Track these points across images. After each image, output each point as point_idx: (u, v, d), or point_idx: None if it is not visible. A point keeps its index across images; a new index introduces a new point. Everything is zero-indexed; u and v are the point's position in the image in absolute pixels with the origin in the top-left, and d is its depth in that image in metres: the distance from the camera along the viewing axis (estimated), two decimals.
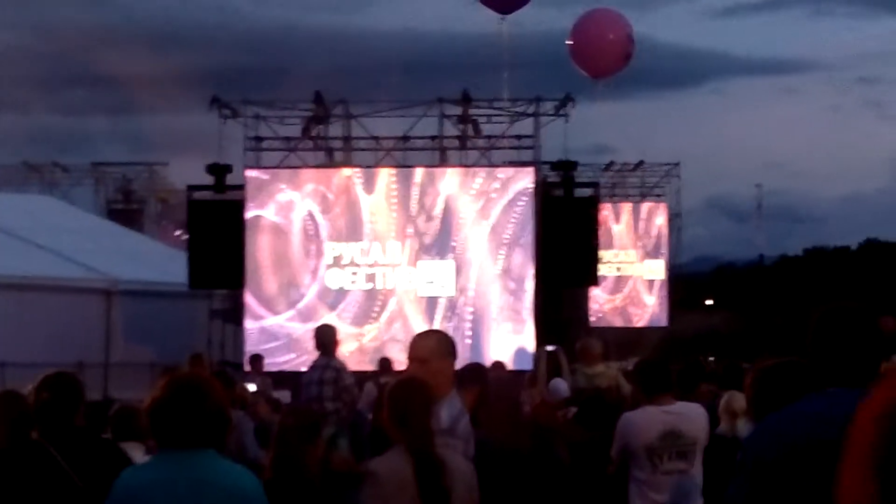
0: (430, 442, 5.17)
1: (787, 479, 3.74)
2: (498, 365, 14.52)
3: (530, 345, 22.41)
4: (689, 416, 7.73)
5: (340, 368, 9.70)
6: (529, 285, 22.81)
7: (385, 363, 18.49)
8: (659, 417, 7.55)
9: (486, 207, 22.87)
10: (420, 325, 21.63)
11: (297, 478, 5.54)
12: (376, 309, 22.86)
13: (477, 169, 24.15)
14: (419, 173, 23.26)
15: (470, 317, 22.83)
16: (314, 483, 5.62)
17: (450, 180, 23.16)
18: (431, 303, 22.84)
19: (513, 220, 22.89)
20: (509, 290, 22.97)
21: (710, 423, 8.41)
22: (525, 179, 23.26)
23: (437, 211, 22.90)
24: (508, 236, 22.88)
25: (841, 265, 55.89)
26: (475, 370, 7.95)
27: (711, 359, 24.29)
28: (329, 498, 5.51)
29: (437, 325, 21.62)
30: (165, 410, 4.36)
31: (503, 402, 7.56)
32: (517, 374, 18.21)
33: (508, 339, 22.71)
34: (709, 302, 51.96)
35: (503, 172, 23.64)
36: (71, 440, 5.82)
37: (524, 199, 22.89)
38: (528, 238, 22.82)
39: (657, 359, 8.33)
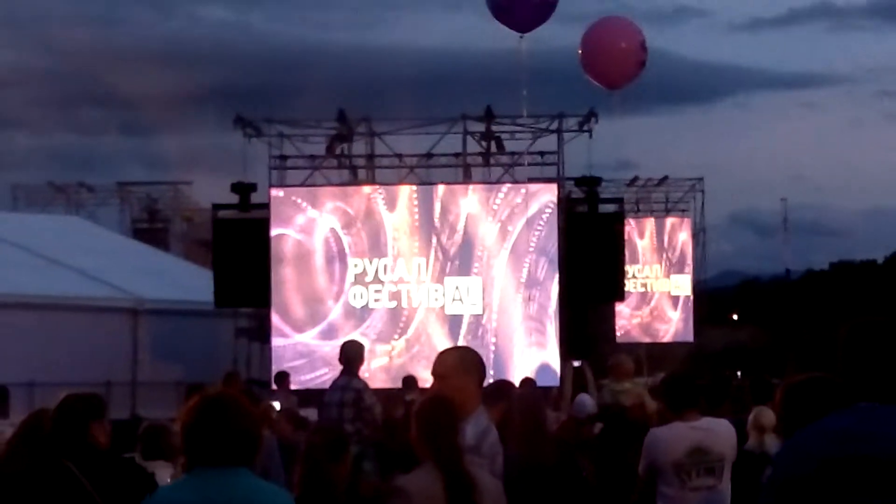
0: (459, 459, 5.17)
1: (817, 496, 3.71)
2: (527, 381, 14.47)
3: (554, 361, 22.40)
4: (717, 431, 7.68)
5: (361, 389, 9.64)
6: (553, 301, 22.75)
7: (410, 381, 18.45)
8: (686, 434, 7.50)
9: (508, 223, 22.83)
10: (443, 343, 21.66)
11: (324, 496, 5.54)
12: (401, 326, 22.86)
13: (500, 185, 24.14)
14: (441, 190, 23.26)
15: (493, 333, 22.81)
16: (342, 501, 5.62)
17: (471, 196, 23.15)
18: (455, 320, 22.81)
19: (535, 236, 22.84)
20: (532, 306, 22.92)
21: (739, 439, 8.38)
22: (548, 194, 23.22)
23: (460, 227, 22.89)
24: (531, 251, 22.83)
25: (868, 279, 55.59)
26: (500, 387, 7.93)
27: (739, 374, 24.18)
28: None
29: (460, 342, 21.64)
30: (198, 428, 4.37)
31: (527, 418, 7.53)
32: (542, 389, 18.21)
33: (532, 355, 22.66)
34: (734, 317, 51.80)
35: (527, 188, 23.60)
36: (94, 460, 5.85)
37: (546, 213, 22.85)
38: (552, 253, 22.78)
39: (684, 374, 8.26)
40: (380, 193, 23.30)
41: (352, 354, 10.18)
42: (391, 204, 23.08)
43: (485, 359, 6.57)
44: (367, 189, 23.78)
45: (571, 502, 7.47)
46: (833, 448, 3.72)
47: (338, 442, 5.86)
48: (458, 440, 5.27)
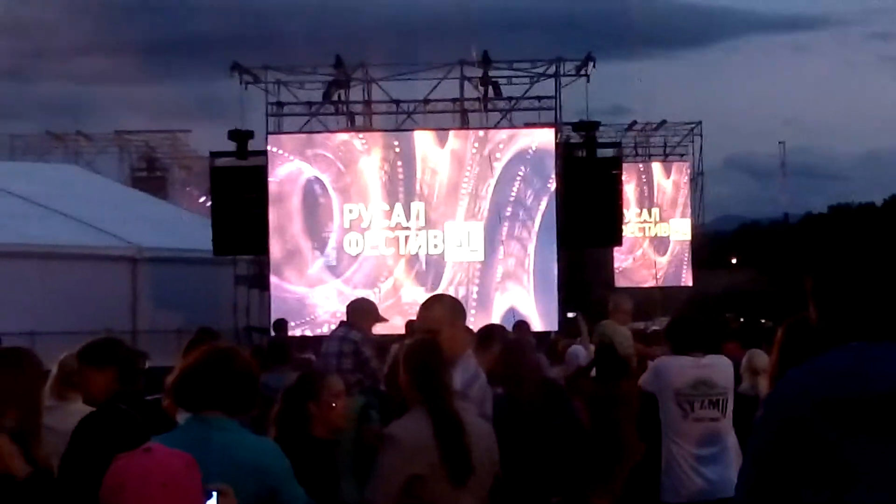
0: (450, 402, 5.17)
1: (814, 435, 3.72)
2: (521, 324, 14.51)
3: (530, 304, 22.56)
4: (720, 366, 7.73)
5: (358, 341, 9.59)
6: (543, 246, 22.83)
7: (412, 325, 18.49)
8: (692, 367, 7.56)
9: (493, 167, 22.94)
10: (436, 288, 21.97)
11: (300, 433, 5.56)
12: (392, 272, 22.99)
13: (498, 130, 24.15)
14: (426, 136, 23.37)
15: (478, 279, 22.90)
16: (318, 440, 5.64)
17: (456, 142, 23.23)
18: (440, 265, 22.96)
19: (518, 179, 22.93)
20: (521, 251, 23.00)
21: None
22: (528, 138, 23.27)
23: (444, 173, 23.01)
24: (514, 195, 22.92)
25: (867, 221, 55.56)
26: (491, 331, 7.94)
27: (742, 319, 24.17)
28: (363, 470, 5.52)
29: (448, 289, 21.83)
30: (194, 378, 4.39)
31: (513, 360, 7.55)
32: (538, 335, 18.27)
33: (513, 298, 22.77)
34: (733, 261, 51.83)
35: (524, 133, 23.62)
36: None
37: (528, 156, 22.96)
38: (543, 197, 22.84)
39: (690, 317, 8.29)
40: (361, 139, 23.41)
41: (356, 307, 10.13)
42: (378, 151, 23.19)
43: (468, 303, 6.59)
44: (353, 137, 23.80)
45: (562, 442, 7.49)
46: (831, 388, 3.72)
47: (314, 380, 5.88)
48: (448, 383, 5.27)
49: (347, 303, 10.40)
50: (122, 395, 5.79)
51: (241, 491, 3.69)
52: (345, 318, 9.96)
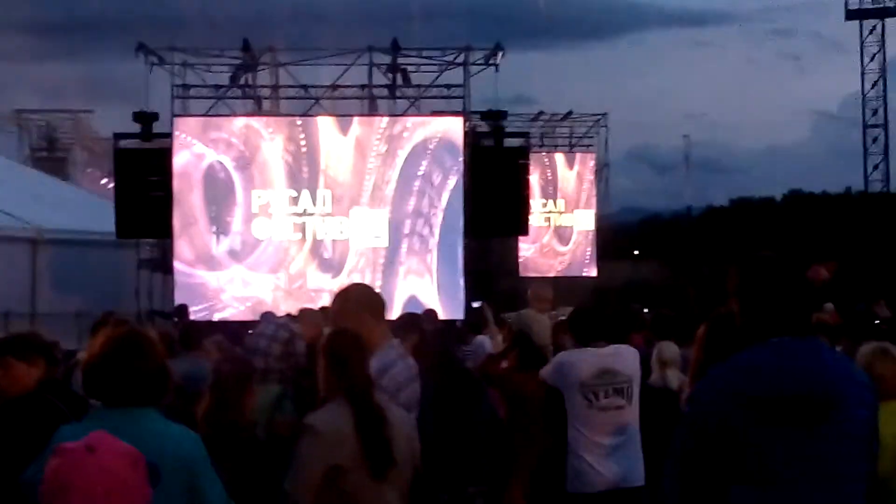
0: (369, 393, 5.14)
1: (740, 433, 3.74)
2: (430, 313, 14.50)
3: (432, 294, 22.62)
4: (623, 354, 7.76)
5: (296, 333, 9.53)
6: (448, 235, 22.88)
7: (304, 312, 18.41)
8: (594, 357, 7.57)
9: (397, 154, 22.99)
10: (339, 275, 22.02)
11: (233, 427, 5.49)
12: (296, 258, 22.93)
13: (405, 118, 24.14)
14: (329, 122, 23.32)
15: (382, 266, 22.92)
16: (251, 432, 5.58)
17: (360, 129, 23.24)
18: (344, 252, 22.93)
19: (422, 166, 22.97)
20: (425, 239, 23.04)
21: (645, 373, 8.45)
22: (433, 125, 23.32)
23: (348, 160, 22.99)
24: (418, 183, 22.95)
25: (767, 216, 56.29)
26: (411, 319, 7.92)
27: (646, 310, 24.34)
28: (273, 459, 5.46)
29: (352, 276, 21.86)
30: (103, 368, 4.27)
31: (436, 351, 7.54)
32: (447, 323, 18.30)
33: (414, 287, 22.81)
34: (636, 252, 52.27)
35: (430, 121, 23.66)
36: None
37: (432, 144, 23.01)
38: (449, 185, 22.90)
39: (591, 308, 8.30)
40: (269, 127, 23.33)
41: (305, 314, 10.05)
42: (284, 136, 23.13)
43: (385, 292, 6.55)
44: (265, 120, 23.69)
45: (480, 433, 7.49)
46: (754, 385, 3.75)
47: (246, 372, 5.80)
48: (368, 373, 5.24)
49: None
50: (47, 385, 5.70)
51: (169, 481, 3.62)
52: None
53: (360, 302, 6.14)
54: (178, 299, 21.75)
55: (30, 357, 5.88)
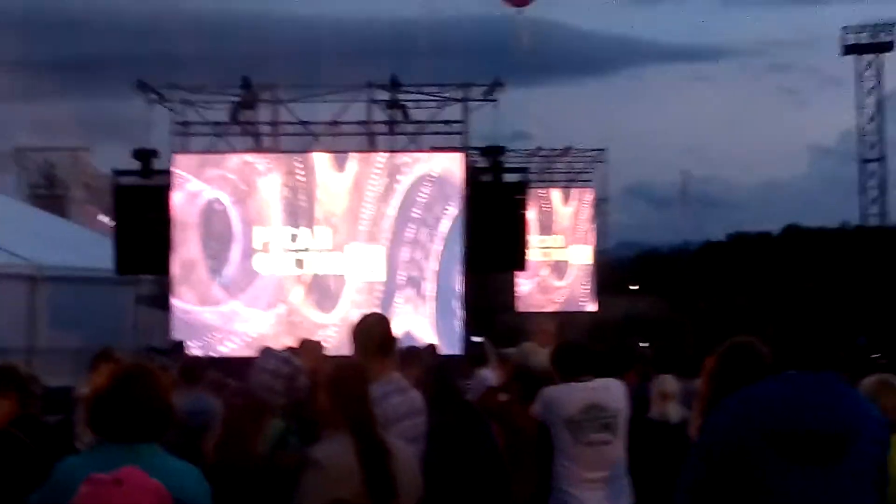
0: (373, 426, 5.13)
1: (754, 465, 3.74)
2: (431, 347, 14.50)
3: (427, 328, 22.60)
4: (610, 388, 7.73)
5: (301, 368, 9.52)
6: (446, 270, 22.88)
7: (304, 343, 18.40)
8: (581, 392, 7.56)
9: (395, 190, 23.03)
10: (333, 310, 22.09)
11: (242, 461, 5.47)
12: (291, 293, 22.93)
13: (404, 153, 24.19)
14: (327, 158, 23.37)
15: (378, 301, 22.89)
16: (259, 467, 5.56)
17: (357, 165, 23.28)
18: (339, 287, 22.93)
19: (421, 203, 23.00)
20: (423, 274, 23.04)
21: (641, 406, 8.45)
22: (430, 163, 23.39)
23: (345, 196, 23.03)
24: (416, 219, 22.97)
25: (763, 250, 56.33)
26: (412, 352, 7.91)
27: (648, 344, 24.37)
28: (275, 494, 5.44)
29: (350, 311, 21.84)
30: (111, 402, 4.27)
31: (439, 385, 7.53)
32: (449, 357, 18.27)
33: (411, 321, 22.79)
34: (634, 287, 52.28)
35: (428, 157, 23.72)
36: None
37: (430, 180, 23.06)
38: (447, 220, 22.93)
39: (576, 343, 8.29)
40: (268, 163, 23.39)
41: (307, 346, 10.03)
42: (286, 173, 23.17)
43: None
44: (262, 157, 23.76)
45: (483, 467, 7.48)
46: (770, 419, 3.75)
47: (259, 406, 5.80)
48: (371, 407, 5.23)
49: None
50: (20, 421, 5.67)
51: None
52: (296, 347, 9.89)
53: (367, 333, 6.17)
54: (176, 336, 21.75)
55: (1, 390, 5.84)
